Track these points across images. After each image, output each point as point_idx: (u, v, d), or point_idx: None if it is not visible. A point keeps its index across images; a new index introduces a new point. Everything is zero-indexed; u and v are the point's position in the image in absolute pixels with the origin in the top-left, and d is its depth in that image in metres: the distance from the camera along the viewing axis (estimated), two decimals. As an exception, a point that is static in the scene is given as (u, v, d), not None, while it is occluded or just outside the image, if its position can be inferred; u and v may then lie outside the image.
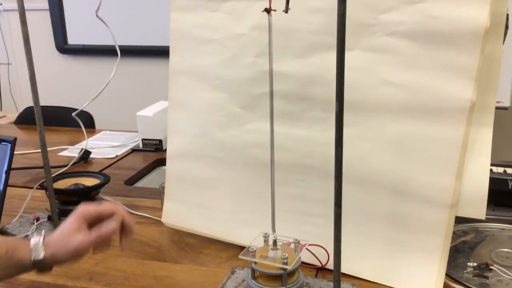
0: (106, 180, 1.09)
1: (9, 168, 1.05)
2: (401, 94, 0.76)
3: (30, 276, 0.86)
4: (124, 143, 1.62)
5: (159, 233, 1.01)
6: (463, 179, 0.75)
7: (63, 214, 0.98)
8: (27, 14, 0.92)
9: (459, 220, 0.76)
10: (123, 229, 0.76)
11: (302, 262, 0.77)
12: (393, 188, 0.79)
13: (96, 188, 1.08)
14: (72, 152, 1.54)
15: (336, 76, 0.56)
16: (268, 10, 0.68)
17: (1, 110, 2.99)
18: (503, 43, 0.74)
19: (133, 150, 1.56)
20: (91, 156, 1.47)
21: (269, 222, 0.77)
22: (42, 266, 0.69)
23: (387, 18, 0.75)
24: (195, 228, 0.97)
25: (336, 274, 0.63)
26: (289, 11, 0.65)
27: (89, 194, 1.06)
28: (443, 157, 0.74)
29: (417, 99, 0.75)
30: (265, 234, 0.76)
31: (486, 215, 0.76)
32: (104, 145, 1.60)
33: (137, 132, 1.58)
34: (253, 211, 0.90)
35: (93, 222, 0.73)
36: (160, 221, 1.02)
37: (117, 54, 0.97)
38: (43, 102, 1.04)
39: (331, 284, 0.68)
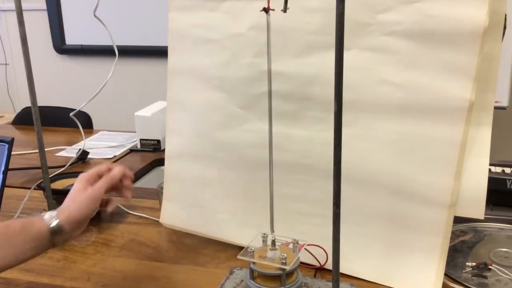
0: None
1: (7, 169, 1.05)
2: (400, 94, 0.76)
3: (28, 276, 0.86)
4: (122, 143, 1.62)
5: (157, 234, 1.01)
6: (462, 178, 0.75)
7: (61, 214, 0.98)
8: (25, 14, 0.92)
9: (457, 219, 0.76)
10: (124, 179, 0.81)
11: (301, 262, 0.77)
12: (391, 188, 0.78)
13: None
14: (70, 152, 1.53)
15: (334, 75, 0.56)
16: (266, 10, 0.68)
17: (-2, 111, 2.98)
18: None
19: (131, 151, 1.56)
20: (89, 156, 1.47)
21: (267, 222, 0.76)
22: (60, 232, 0.71)
23: (385, 17, 0.75)
24: (193, 229, 0.97)
25: (335, 274, 0.63)
26: (287, 10, 0.65)
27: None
28: (441, 157, 0.74)
29: (416, 99, 0.75)
30: (264, 234, 0.76)
31: (485, 214, 0.76)
32: (102, 146, 1.59)
33: (135, 132, 1.58)
34: (252, 211, 0.90)
35: (95, 182, 0.77)
36: (158, 221, 1.02)
37: (115, 54, 0.96)
38: (41, 102, 1.03)
39: (330, 284, 0.68)
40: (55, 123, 1.81)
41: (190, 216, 0.97)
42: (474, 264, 0.83)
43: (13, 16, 0.94)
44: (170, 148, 0.98)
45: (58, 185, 1.11)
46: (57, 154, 1.53)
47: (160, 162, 1.44)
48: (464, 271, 0.82)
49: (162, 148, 1.52)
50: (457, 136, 0.73)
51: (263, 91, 0.83)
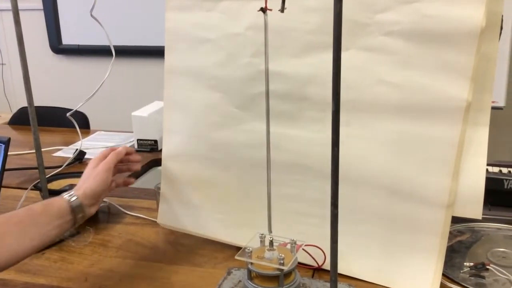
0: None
1: (3, 169, 1.04)
2: (397, 94, 0.76)
3: (25, 277, 0.86)
4: (119, 143, 1.61)
5: (155, 234, 1.01)
6: (459, 178, 0.75)
7: (58, 215, 0.97)
8: (21, 14, 0.91)
9: (454, 219, 0.76)
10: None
11: (299, 263, 0.77)
12: (389, 188, 0.78)
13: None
14: (67, 152, 1.53)
15: (332, 75, 0.56)
16: (264, 10, 0.68)
17: (-5, 111, 2.98)
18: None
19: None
20: (86, 156, 1.46)
21: (265, 222, 0.76)
22: (79, 207, 0.78)
23: (383, 17, 0.75)
24: (190, 229, 0.97)
25: (332, 274, 0.62)
26: (285, 10, 0.65)
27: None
28: (439, 157, 0.74)
29: (413, 99, 0.75)
30: (262, 234, 0.76)
31: (482, 214, 0.76)
32: (99, 146, 1.59)
33: (132, 132, 1.57)
34: (249, 211, 0.90)
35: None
36: (155, 221, 1.02)
37: (111, 54, 0.96)
38: (37, 102, 1.03)
39: (328, 284, 0.68)
40: (52, 123, 1.80)
41: (188, 217, 0.97)
42: (471, 264, 0.83)
43: (10, 16, 0.94)
44: (167, 149, 0.98)
45: (55, 185, 1.11)
46: (54, 154, 1.52)
47: (157, 162, 1.44)
48: (461, 271, 0.82)
49: (159, 149, 1.52)
50: (454, 136, 0.73)
51: (260, 91, 0.83)
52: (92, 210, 0.81)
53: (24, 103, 1.01)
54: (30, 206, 0.75)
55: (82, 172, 1.19)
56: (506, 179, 0.99)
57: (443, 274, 0.78)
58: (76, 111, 1.01)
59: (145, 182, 1.40)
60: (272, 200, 0.76)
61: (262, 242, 0.76)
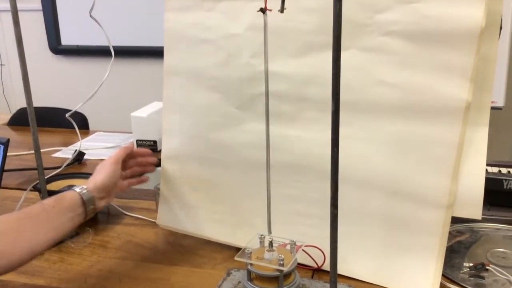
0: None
1: (2, 170, 1.04)
2: (397, 94, 0.76)
3: (23, 278, 0.86)
4: (118, 144, 1.61)
5: (154, 235, 1.01)
6: (459, 179, 0.75)
7: (57, 216, 0.97)
8: (20, 14, 0.91)
9: (453, 220, 0.76)
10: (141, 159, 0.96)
11: (298, 264, 0.77)
12: (389, 188, 0.78)
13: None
14: (66, 153, 1.53)
15: (332, 76, 0.55)
16: (263, 10, 0.68)
17: (-6, 111, 2.97)
18: (497, 43, 0.74)
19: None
20: (85, 157, 1.46)
21: (264, 223, 0.76)
22: (90, 199, 0.80)
23: (383, 18, 0.75)
24: (190, 230, 0.97)
25: (332, 275, 0.62)
26: (284, 11, 0.65)
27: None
28: (439, 157, 0.74)
29: (413, 99, 0.75)
30: (261, 235, 0.76)
31: (482, 215, 0.76)
32: (98, 146, 1.59)
33: (131, 133, 1.57)
34: (249, 212, 0.90)
35: None
36: (155, 222, 1.02)
37: (111, 55, 0.96)
38: (36, 103, 1.03)
39: (328, 285, 0.68)
40: (51, 124, 1.80)
41: (187, 217, 0.97)
42: (471, 264, 0.83)
43: (9, 16, 0.94)
44: (166, 149, 0.98)
45: (54, 186, 1.11)
46: (53, 155, 1.52)
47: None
48: (461, 271, 0.82)
49: (158, 149, 1.52)
50: (454, 136, 0.73)
51: (260, 92, 0.83)
52: (102, 203, 0.84)
53: (23, 104, 1.00)
54: (42, 201, 0.77)
55: (81, 173, 1.20)
56: (506, 179, 0.99)
57: (442, 275, 0.77)
58: (75, 112, 1.01)
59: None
60: (272, 201, 0.76)
61: (261, 243, 0.76)
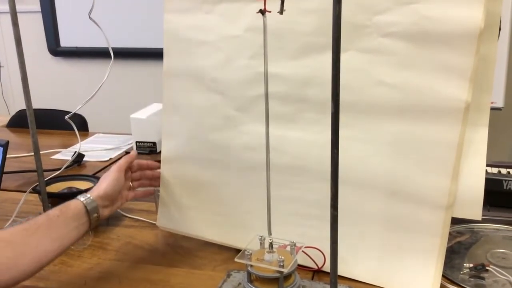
0: (100, 183, 1.09)
1: (2, 172, 1.04)
2: (396, 95, 0.76)
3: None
4: (117, 145, 1.61)
5: (154, 237, 1.01)
6: (458, 179, 0.75)
7: (57, 218, 0.97)
8: (19, 16, 0.91)
9: (453, 220, 0.76)
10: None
11: (298, 265, 0.77)
12: (389, 189, 0.78)
13: (90, 191, 1.07)
14: (65, 155, 1.53)
15: (331, 77, 0.55)
16: (263, 12, 0.68)
17: (-7, 113, 2.97)
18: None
19: (127, 153, 1.54)
20: (85, 159, 1.46)
21: (264, 224, 0.76)
22: (94, 208, 0.82)
23: (382, 19, 0.75)
24: (190, 231, 0.97)
25: (332, 276, 0.62)
26: (283, 12, 0.65)
27: (82, 198, 1.05)
28: (438, 158, 0.74)
29: (412, 100, 0.75)
30: (261, 236, 0.76)
31: (482, 215, 0.76)
32: (97, 148, 1.59)
33: (130, 134, 1.57)
34: (248, 213, 0.90)
35: None
36: (154, 224, 1.02)
37: (110, 56, 0.96)
38: (36, 105, 1.03)
39: (328, 286, 0.67)
40: (50, 126, 1.80)
41: (187, 219, 0.97)
42: (471, 265, 0.83)
43: (7, 18, 0.93)
44: (166, 151, 0.98)
45: (54, 188, 1.11)
46: (52, 157, 1.52)
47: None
48: (461, 272, 0.82)
49: (158, 151, 1.52)
50: (453, 137, 0.73)
51: (259, 93, 0.83)
52: (106, 212, 0.86)
53: (22, 106, 1.00)
54: (47, 212, 0.79)
55: (81, 175, 1.20)
56: (505, 180, 0.98)
57: (442, 275, 0.77)
58: (75, 114, 1.01)
59: (144, 184, 1.39)
60: (272, 202, 0.76)
61: (261, 244, 0.76)
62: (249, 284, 0.73)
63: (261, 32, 0.70)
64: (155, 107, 1.58)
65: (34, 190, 1.06)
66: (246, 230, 0.87)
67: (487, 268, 0.82)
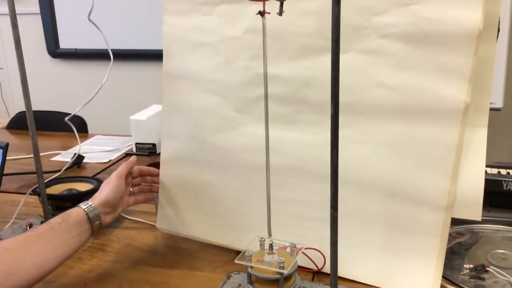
0: (100, 185, 1.08)
1: (1, 174, 1.04)
2: (396, 96, 0.76)
3: (23, 283, 0.86)
4: (117, 147, 1.61)
5: (154, 238, 1.01)
6: (458, 180, 0.75)
7: (56, 220, 0.97)
8: (18, 18, 0.91)
9: (453, 221, 0.76)
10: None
11: (299, 266, 0.77)
12: (388, 190, 0.78)
13: (90, 193, 1.06)
14: (65, 157, 1.53)
15: (331, 78, 0.56)
16: (262, 13, 0.68)
17: (-8, 115, 2.97)
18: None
19: (127, 155, 1.55)
20: (84, 161, 1.46)
21: (264, 226, 0.76)
22: (95, 215, 0.82)
23: (381, 20, 0.75)
24: (189, 233, 0.97)
25: (332, 278, 0.62)
26: (283, 14, 0.65)
27: (82, 200, 1.05)
28: (438, 158, 0.74)
29: (412, 101, 0.75)
30: (261, 238, 0.76)
31: (481, 216, 0.76)
32: (97, 150, 1.59)
33: (130, 136, 1.57)
34: (248, 215, 0.90)
35: None
36: (154, 226, 1.02)
37: (109, 58, 0.96)
38: (35, 106, 1.03)
39: (328, 287, 0.67)
40: (50, 128, 1.80)
41: (186, 221, 0.97)
42: (471, 266, 0.83)
43: (7, 20, 0.94)
44: (165, 152, 0.98)
45: (54, 190, 1.11)
46: (52, 159, 1.52)
47: (156, 166, 1.43)
48: (461, 273, 0.82)
49: (157, 152, 1.52)
50: (453, 137, 0.73)
51: (258, 95, 0.83)
52: (108, 219, 0.87)
53: (22, 108, 1.00)
54: (49, 220, 0.79)
55: (80, 177, 1.20)
56: (505, 181, 0.99)
57: (443, 276, 0.77)
58: (74, 115, 1.01)
59: (143, 186, 1.39)
60: (271, 204, 0.76)
61: (261, 246, 0.76)
62: (249, 286, 0.73)
63: (261, 34, 0.70)
64: (155, 108, 1.58)
65: (34, 192, 1.06)
66: (246, 231, 0.87)
67: (487, 269, 0.82)
